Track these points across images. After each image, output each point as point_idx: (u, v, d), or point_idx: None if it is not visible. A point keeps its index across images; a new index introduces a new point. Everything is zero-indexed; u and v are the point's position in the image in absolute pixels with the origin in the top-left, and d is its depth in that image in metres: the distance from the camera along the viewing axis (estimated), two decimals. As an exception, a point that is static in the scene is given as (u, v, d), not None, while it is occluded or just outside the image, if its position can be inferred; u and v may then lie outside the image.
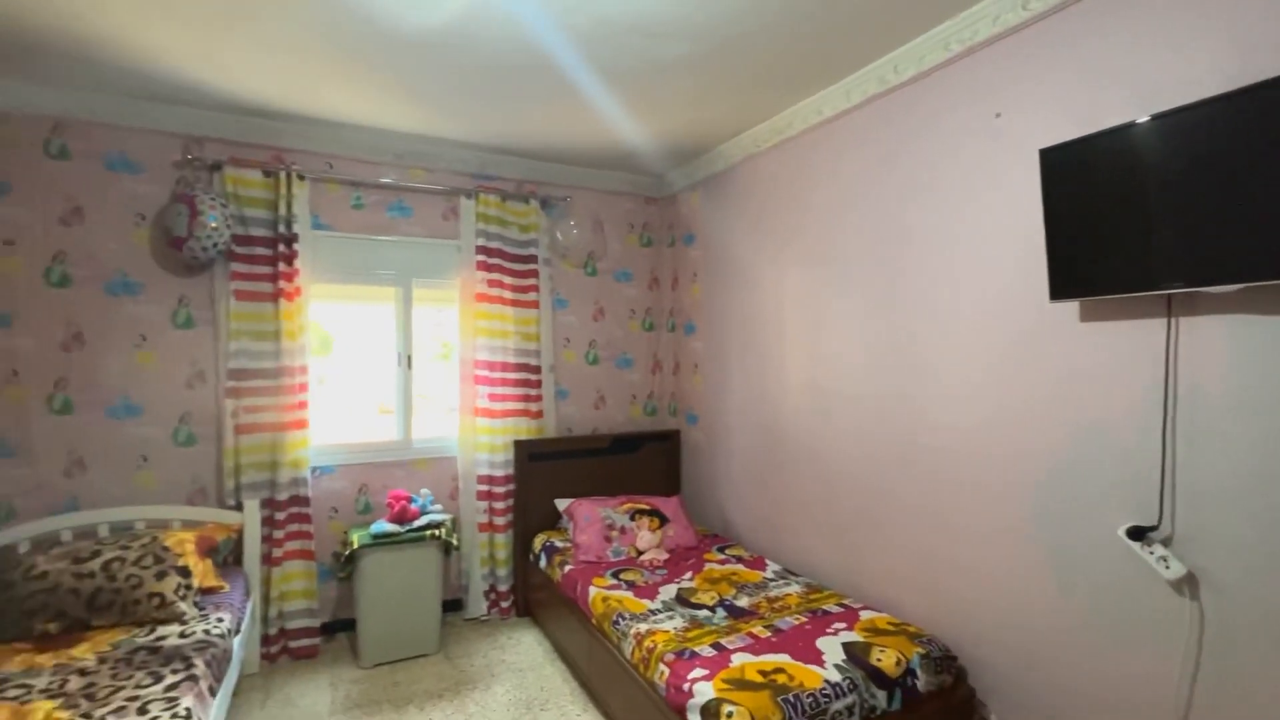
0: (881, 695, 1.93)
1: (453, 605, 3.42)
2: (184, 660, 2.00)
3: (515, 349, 3.51)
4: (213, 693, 1.99)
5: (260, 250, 2.99)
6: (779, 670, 1.94)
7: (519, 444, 3.48)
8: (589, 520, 3.19)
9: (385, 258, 3.39)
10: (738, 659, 2.01)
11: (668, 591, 2.64)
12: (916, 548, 2.37)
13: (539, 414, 3.60)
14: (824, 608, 2.41)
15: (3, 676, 1.89)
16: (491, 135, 3.23)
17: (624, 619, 2.39)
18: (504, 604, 3.44)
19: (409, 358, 3.46)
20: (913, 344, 2.38)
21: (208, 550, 2.65)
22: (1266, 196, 1.40)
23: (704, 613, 2.42)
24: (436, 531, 3.02)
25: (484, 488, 3.44)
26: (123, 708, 1.74)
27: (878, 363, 2.53)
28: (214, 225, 2.74)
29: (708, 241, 3.65)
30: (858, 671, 1.95)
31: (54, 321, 2.71)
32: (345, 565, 2.98)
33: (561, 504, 3.43)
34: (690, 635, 2.21)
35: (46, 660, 2.00)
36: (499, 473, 3.45)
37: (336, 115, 2.96)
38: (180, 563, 2.43)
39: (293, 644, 2.97)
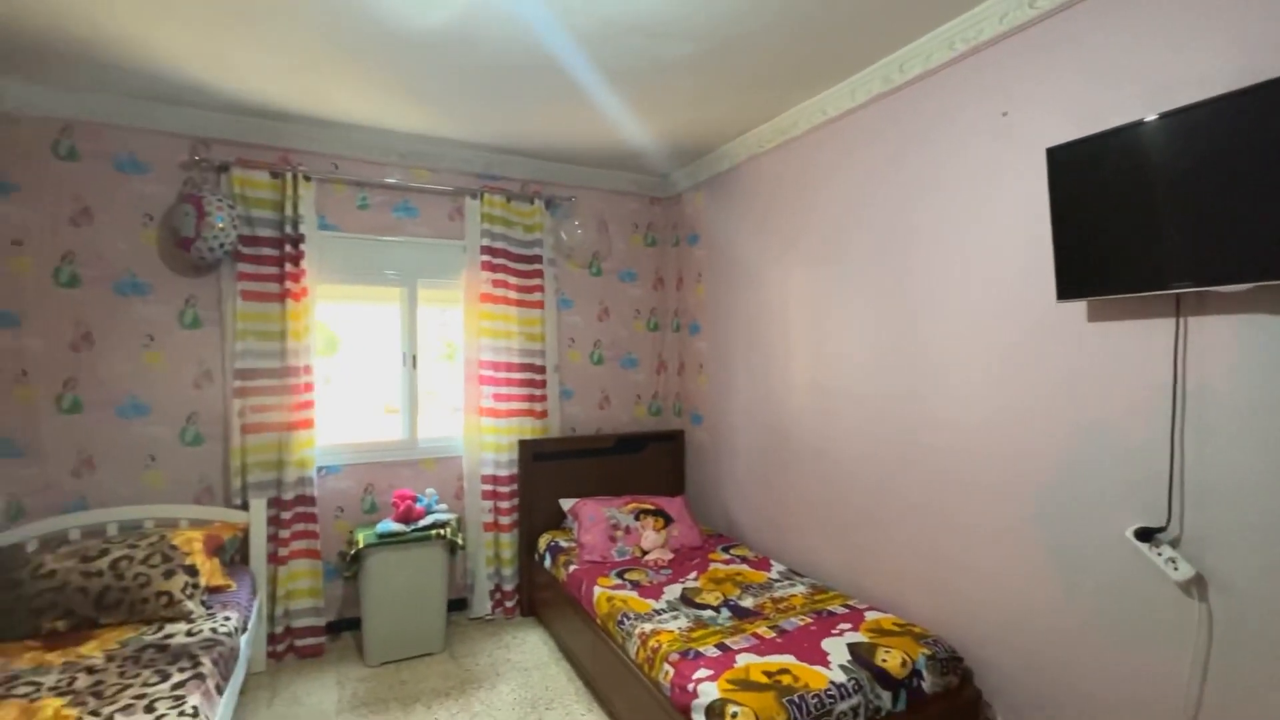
0: (887, 696, 1.93)
1: (458, 604, 3.43)
2: (191, 658, 2.01)
3: (520, 349, 3.51)
4: (220, 691, 2.00)
5: (267, 251, 3.00)
6: (784, 671, 1.93)
7: (524, 444, 3.49)
8: (594, 520, 3.19)
9: (391, 258, 3.40)
10: (742, 659, 2.01)
11: (672, 591, 2.64)
12: (922, 548, 2.37)
13: (544, 414, 3.60)
14: (829, 608, 2.41)
15: (12, 674, 1.90)
16: (496, 135, 3.24)
17: (629, 619, 2.39)
18: (509, 603, 3.44)
19: (414, 358, 3.47)
20: (919, 344, 2.38)
21: (215, 549, 2.67)
22: (1275, 195, 1.39)
23: (709, 613, 2.42)
24: (442, 531, 3.03)
25: (489, 487, 3.44)
26: (130, 705, 1.75)
27: (883, 362, 2.52)
28: (221, 226, 2.76)
29: (712, 241, 3.65)
30: (863, 672, 1.94)
31: (63, 321, 2.73)
32: (351, 564, 2.99)
33: (566, 504, 3.44)
34: (695, 635, 2.21)
35: (55, 658, 2.01)
36: (504, 472, 3.45)
37: (342, 116, 2.97)
38: (188, 561, 2.44)
39: (299, 643, 2.98)
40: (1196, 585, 1.62)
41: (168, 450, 2.90)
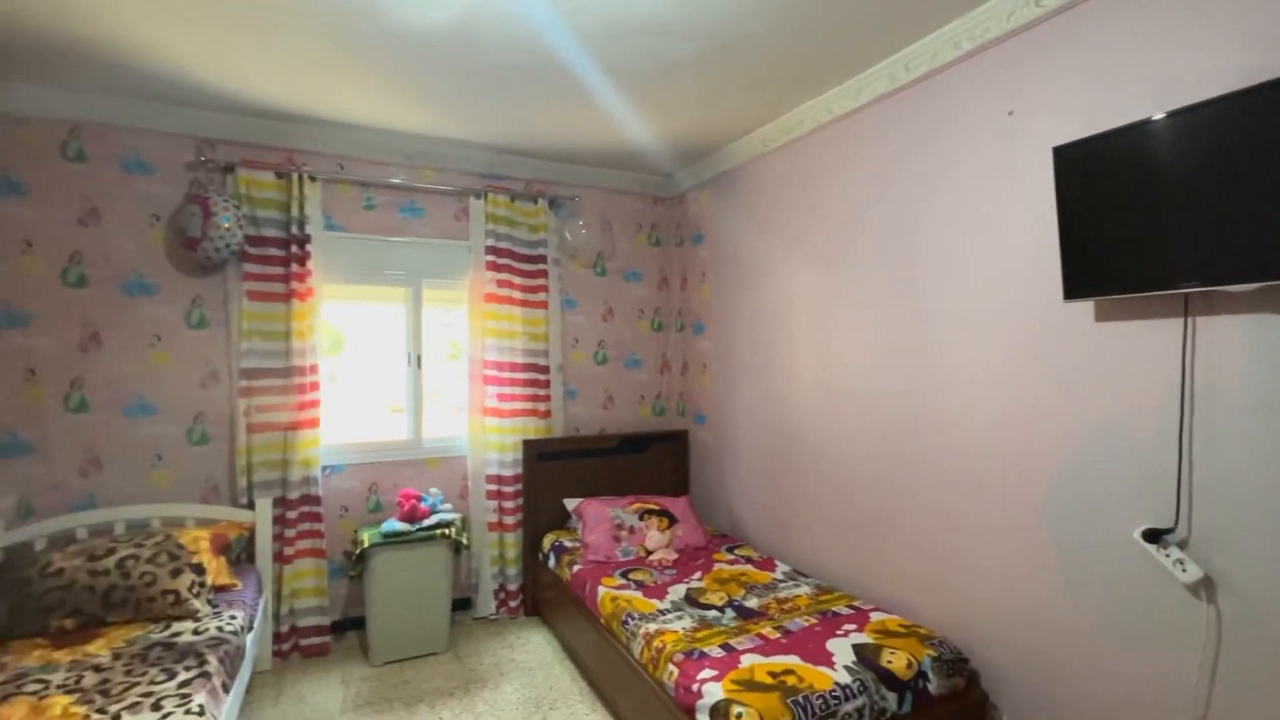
0: (892, 698, 1.92)
1: (462, 604, 3.44)
2: (198, 657, 2.02)
3: (524, 349, 3.52)
4: (226, 689, 2.01)
5: (273, 251, 3.01)
6: (789, 672, 1.93)
7: (528, 444, 3.49)
8: (598, 520, 3.20)
9: (396, 258, 3.41)
10: (747, 660, 2.01)
11: (676, 591, 2.63)
12: (928, 548, 2.36)
13: (547, 414, 3.61)
14: (834, 609, 2.40)
15: (21, 671, 1.92)
16: (500, 135, 3.24)
17: (633, 619, 2.39)
18: (513, 603, 3.44)
19: (419, 358, 3.48)
20: (924, 343, 2.37)
21: (221, 548, 2.68)
22: (1286, 194, 1.38)
23: (713, 613, 2.41)
24: (446, 530, 3.04)
25: (493, 487, 3.45)
26: (137, 704, 1.76)
27: (889, 362, 2.52)
28: (227, 226, 2.77)
29: (717, 241, 3.64)
30: (868, 674, 1.94)
31: (71, 321, 2.74)
32: (356, 564, 2.99)
33: (570, 504, 3.44)
34: (699, 636, 2.21)
35: (63, 656, 2.02)
36: (508, 472, 3.46)
37: (347, 117, 2.98)
38: (194, 560, 2.46)
39: (304, 642, 2.99)
40: (1205, 587, 1.61)
41: (174, 450, 2.91)
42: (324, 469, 3.16)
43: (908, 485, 2.43)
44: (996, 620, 2.12)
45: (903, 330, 2.45)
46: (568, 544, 3.25)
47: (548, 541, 3.38)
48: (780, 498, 3.15)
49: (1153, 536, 1.68)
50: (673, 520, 3.26)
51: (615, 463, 3.70)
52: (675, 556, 3.06)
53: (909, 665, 1.99)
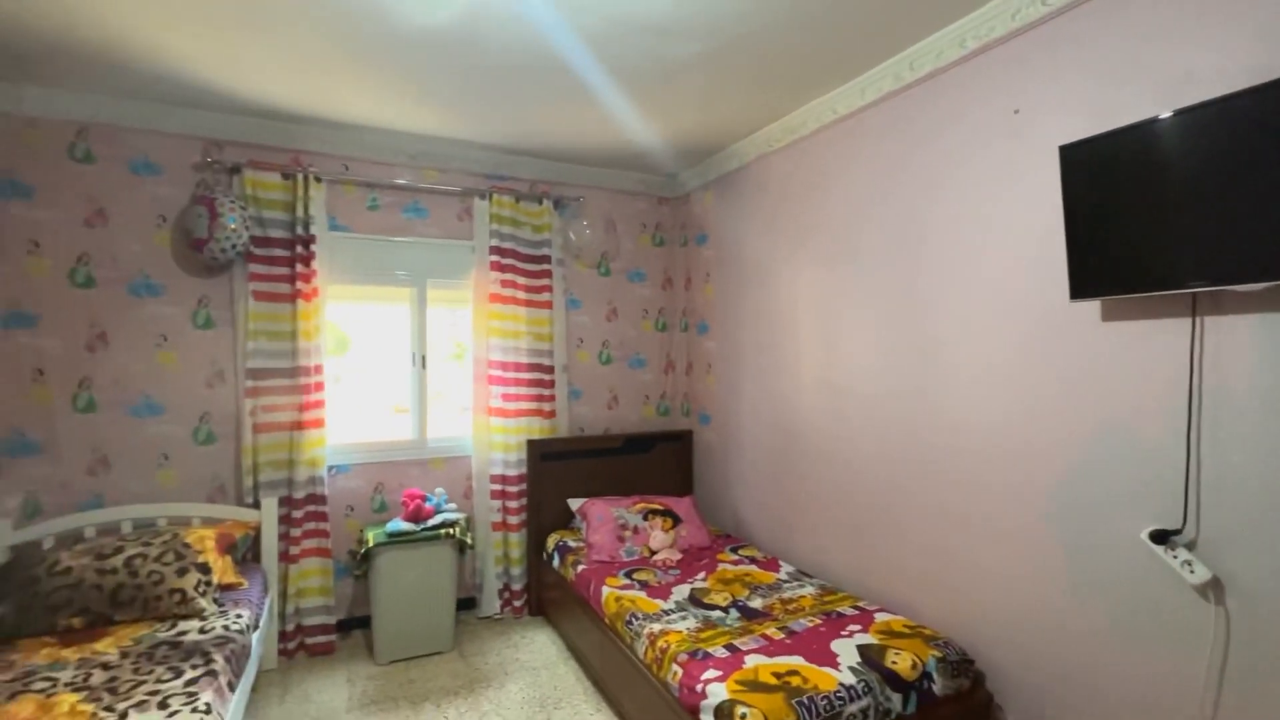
0: (897, 698, 1.92)
1: (467, 604, 3.44)
2: (204, 655, 2.03)
3: (528, 349, 3.52)
4: (232, 688, 2.02)
5: (278, 251, 3.02)
6: (793, 672, 1.92)
7: (532, 443, 3.50)
8: (602, 520, 3.20)
9: (401, 258, 3.42)
10: (751, 660, 2.00)
11: (681, 592, 2.63)
12: (933, 549, 2.35)
13: (552, 414, 3.61)
14: (838, 610, 2.40)
15: (29, 669, 1.93)
16: (504, 136, 3.24)
17: (637, 619, 2.39)
18: (517, 603, 3.45)
19: (423, 358, 3.49)
20: (930, 343, 2.36)
21: (227, 547, 2.69)
22: (1294, 192, 1.37)
23: (717, 613, 2.41)
24: (451, 530, 3.04)
25: (498, 487, 3.45)
26: (144, 702, 1.77)
27: (894, 362, 2.51)
28: (233, 227, 2.78)
29: (721, 241, 3.64)
30: (873, 674, 1.93)
31: (78, 322, 2.76)
32: (361, 563, 3.00)
33: (574, 504, 3.44)
34: (703, 636, 2.21)
35: (71, 654, 2.04)
36: (512, 472, 3.46)
37: (352, 117, 2.99)
38: (201, 559, 2.47)
39: (309, 640, 3.00)
40: (1213, 588, 1.60)
41: (181, 449, 2.93)
42: (329, 469, 3.17)
43: (913, 485, 2.43)
44: (1002, 621, 2.11)
45: (908, 330, 2.44)
46: (572, 544, 3.25)
47: (552, 541, 3.39)
48: (784, 498, 3.14)
49: (1160, 537, 1.67)
50: (677, 520, 3.26)
51: (619, 463, 3.70)
52: (679, 557, 3.06)
53: (914, 666, 1.98)
